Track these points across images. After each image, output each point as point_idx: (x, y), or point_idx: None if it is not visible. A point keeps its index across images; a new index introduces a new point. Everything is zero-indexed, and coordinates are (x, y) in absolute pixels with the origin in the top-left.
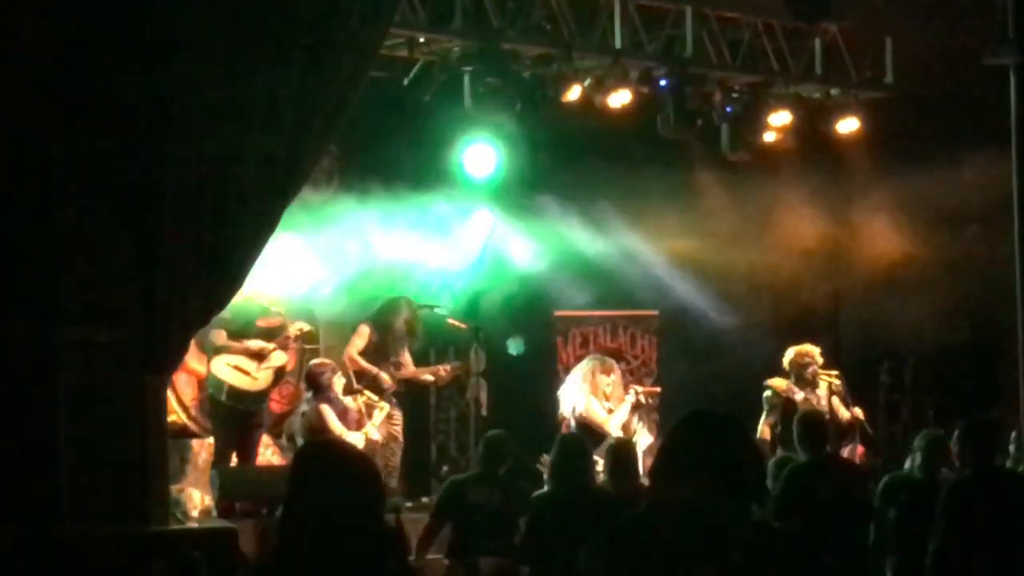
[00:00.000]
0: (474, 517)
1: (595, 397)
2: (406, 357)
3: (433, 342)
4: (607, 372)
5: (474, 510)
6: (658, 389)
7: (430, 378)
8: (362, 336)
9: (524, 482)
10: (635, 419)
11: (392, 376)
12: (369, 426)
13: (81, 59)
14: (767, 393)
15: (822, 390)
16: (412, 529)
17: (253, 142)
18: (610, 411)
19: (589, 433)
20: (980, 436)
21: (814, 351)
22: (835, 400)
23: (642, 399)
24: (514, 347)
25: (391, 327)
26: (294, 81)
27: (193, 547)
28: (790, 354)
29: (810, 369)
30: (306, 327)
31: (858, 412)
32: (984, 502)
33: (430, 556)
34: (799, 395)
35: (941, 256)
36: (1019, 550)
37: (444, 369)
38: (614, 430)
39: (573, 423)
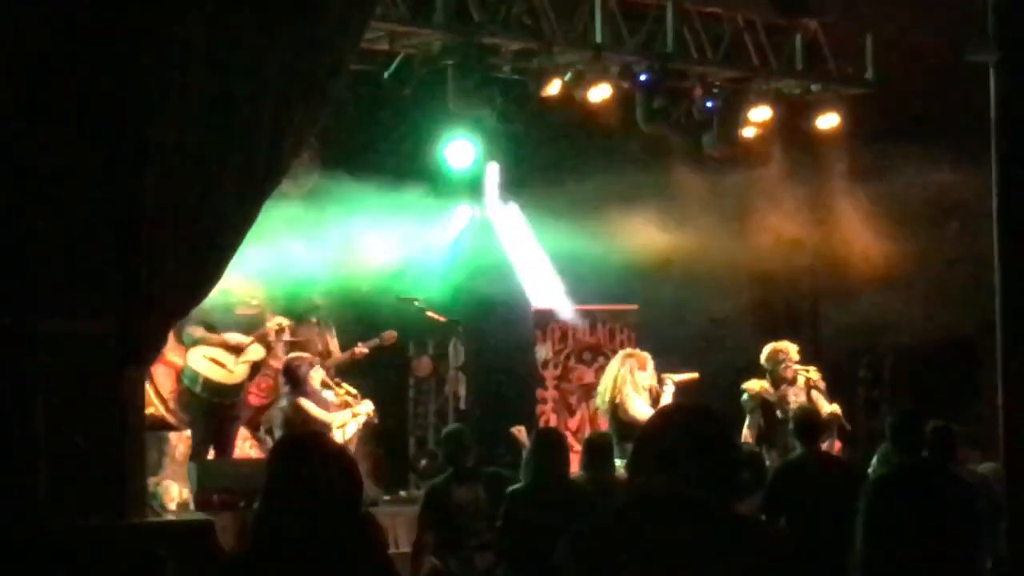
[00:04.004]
0: (461, 516)
1: (636, 394)
2: (332, 345)
3: (412, 335)
4: (643, 367)
5: (460, 509)
6: (696, 375)
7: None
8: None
9: (501, 470)
10: None
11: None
12: (351, 422)
13: (60, 48)
14: (743, 397)
15: (800, 385)
16: (389, 522)
17: (233, 133)
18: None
19: (632, 430)
20: (901, 430)
21: (790, 348)
22: (814, 394)
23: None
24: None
25: (305, 320)
26: (275, 73)
27: (164, 542)
28: (766, 351)
29: (784, 365)
30: (284, 322)
31: (835, 408)
32: (901, 497)
33: (410, 549)
34: (774, 393)
35: (921, 252)
36: (939, 546)
37: (365, 345)
38: None
39: (611, 420)
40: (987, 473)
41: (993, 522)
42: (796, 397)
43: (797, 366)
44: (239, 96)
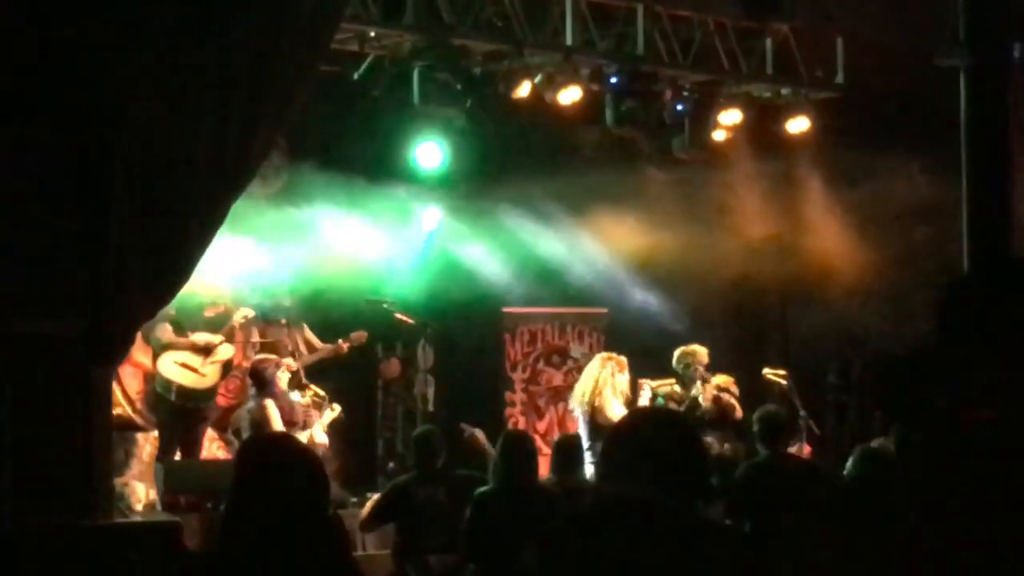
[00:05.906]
0: (420, 517)
1: (615, 398)
2: (302, 345)
3: (381, 337)
4: (622, 371)
5: (420, 510)
6: (672, 381)
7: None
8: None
9: (471, 471)
10: None
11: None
12: (317, 425)
13: (23, 52)
14: (650, 396)
15: (710, 389)
16: (353, 524)
17: (202, 134)
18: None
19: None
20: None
21: (700, 351)
22: (725, 396)
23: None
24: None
25: (274, 320)
26: (244, 73)
27: (130, 543)
28: (676, 354)
29: (692, 368)
30: (250, 313)
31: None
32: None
33: (375, 552)
34: (680, 395)
35: (890, 257)
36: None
37: (343, 344)
38: None
39: (583, 423)
40: None
41: None
42: (706, 400)
43: (704, 371)
44: (207, 97)
